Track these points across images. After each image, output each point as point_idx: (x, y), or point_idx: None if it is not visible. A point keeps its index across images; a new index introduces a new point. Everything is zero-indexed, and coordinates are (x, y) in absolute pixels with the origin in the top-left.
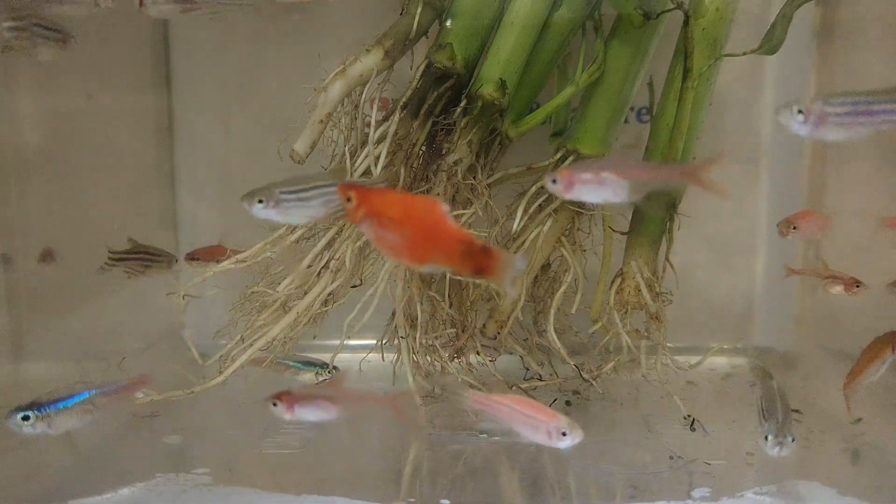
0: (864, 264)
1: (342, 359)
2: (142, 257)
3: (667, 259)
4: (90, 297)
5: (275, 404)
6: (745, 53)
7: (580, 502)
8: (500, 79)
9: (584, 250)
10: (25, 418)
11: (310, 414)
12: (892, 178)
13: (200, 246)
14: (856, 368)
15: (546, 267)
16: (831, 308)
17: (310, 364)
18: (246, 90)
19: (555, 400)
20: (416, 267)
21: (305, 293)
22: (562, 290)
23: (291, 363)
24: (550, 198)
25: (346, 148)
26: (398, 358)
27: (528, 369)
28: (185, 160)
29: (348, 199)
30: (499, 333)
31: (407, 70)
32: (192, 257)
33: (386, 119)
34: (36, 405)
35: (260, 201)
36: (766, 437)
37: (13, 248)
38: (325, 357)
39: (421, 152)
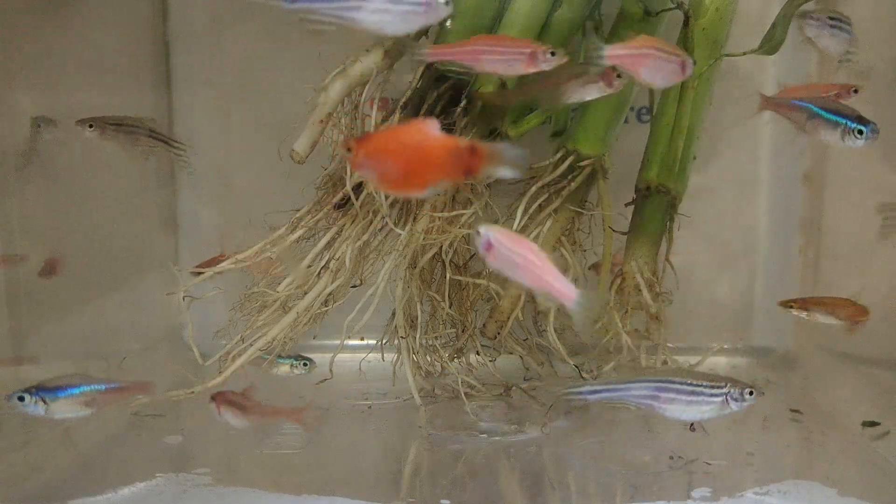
0: (864, 264)
1: (342, 359)
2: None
3: (667, 259)
4: (90, 297)
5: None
6: (745, 53)
7: (580, 502)
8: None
9: (584, 250)
10: (21, 399)
11: (231, 419)
12: (892, 177)
13: (200, 248)
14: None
15: None
16: None
17: (283, 356)
18: (246, 90)
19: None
20: (420, 193)
21: (305, 293)
22: None
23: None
24: (550, 198)
25: None
26: (398, 358)
27: (528, 369)
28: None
29: (348, 150)
30: (499, 333)
31: (407, 70)
32: (197, 271)
33: (386, 119)
34: (38, 388)
35: None
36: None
37: (13, 248)
38: (326, 357)
39: None
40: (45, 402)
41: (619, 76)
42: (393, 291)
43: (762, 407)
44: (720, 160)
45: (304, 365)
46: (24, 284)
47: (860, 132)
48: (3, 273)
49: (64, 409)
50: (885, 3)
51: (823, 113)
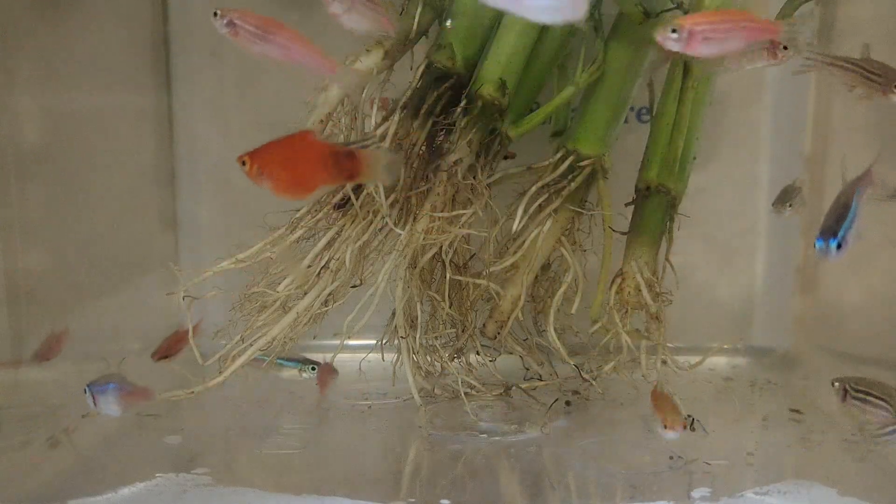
0: (864, 265)
1: (342, 359)
2: None
3: (667, 259)
4: (90, 297)
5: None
6: None
7: (580, 502)
8: (500, 79)
9: (584, 250)
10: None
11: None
12: (892, 177)
13: (200, 248)
14: None
15: (546, 267)
16: (831, 308)
17: (292, 361)
18: (246, 90)
19: (555, 400)
20: (308, 195)
21: (305, 293)
22: (562, 290)
23: (276, 360)
24: (550, 198)
25: None
26: (398, 358)
27: (528, 369)
28: (185, 160)
29: (244, 164)
30: (499, 333)
31: (407, 70)
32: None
33: (386, 119)
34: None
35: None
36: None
37: (13, 248)
38: (325, 357)
39: (421, 152)
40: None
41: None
42: (393, 291)
43: (762, 407)
44: (720, 160)
45: (312, 369)
46: (24, 284)
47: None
48: (3, 273)
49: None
50: (885, 3)
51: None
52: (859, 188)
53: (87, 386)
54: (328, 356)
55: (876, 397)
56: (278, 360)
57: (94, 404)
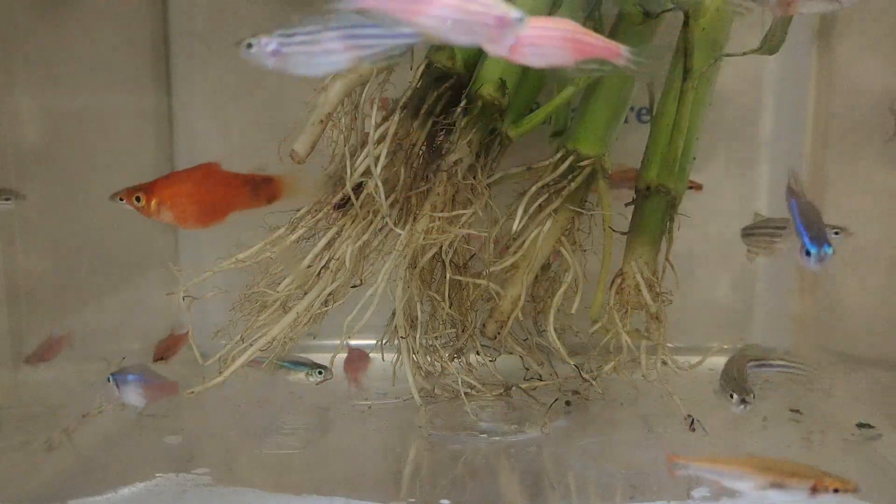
0: (863, 265)
1: (342, 359)
2: None
3: (667, 259)
4: (90, 297)
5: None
6: (745, 53)
7: (580, 502)
8: (500, 79)
9: (584, 250)
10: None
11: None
12: (891, 177)
13: (200, 248)
14: None
15: (546, 267)
16: (831, 308)
17: (300, 364)
18: (245, 89)
19: (555, 400)
20: (221, 220)
21: (305, 293)
22: (562, 290)
23: (283, 363)
24: (550, 198)
25: (346, 148)
26: (398, 358)
27: (528, 369)
28: (185, 160)
29: (137, 200)
30: (499, 333)
31: (407, 70)
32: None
33: (386, 119)
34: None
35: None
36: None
37: (13, 247)
38: (325, 357)
39: (421, 152)
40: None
41: None
42: (393, 291)
43: (762, 407)
44: (720, 160)
45: (320, 373)
46: (24, 284)
47: None
48: (3, 273)
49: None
50: (885, 3)
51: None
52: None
53: (111, 375)
54: (328, 357)
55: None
56: (286, 364)
57: (118, 394)
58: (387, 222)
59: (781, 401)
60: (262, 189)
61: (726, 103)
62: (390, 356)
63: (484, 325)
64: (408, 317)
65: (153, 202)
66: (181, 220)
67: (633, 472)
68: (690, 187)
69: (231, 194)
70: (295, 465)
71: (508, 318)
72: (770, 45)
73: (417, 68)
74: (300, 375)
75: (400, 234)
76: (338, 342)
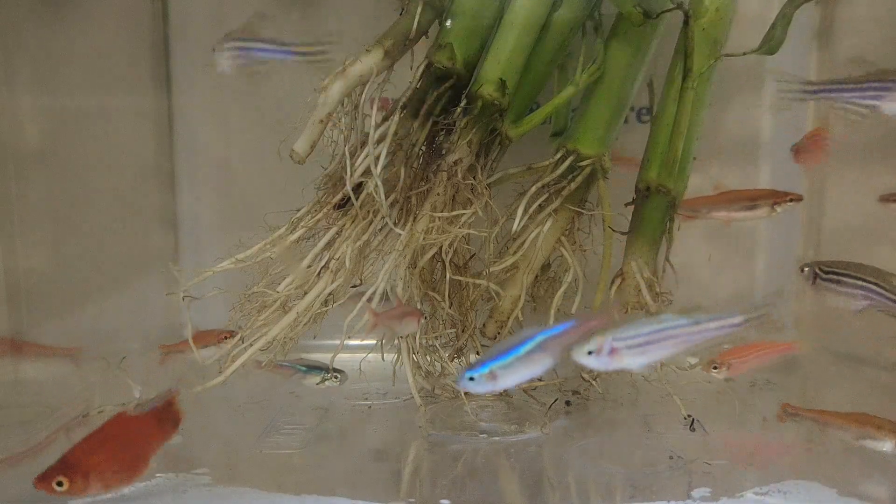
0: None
1: (342, 359)
2: None
3: (667, 259)
4: (90, 297)
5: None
6: (745, 53)
7: (580, 502)
8: (500, 79)
9: (584, 250)
10: None
11: None
12: (891, 177)
13: (200, 247)
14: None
15: (546, 267)
16: (831, 308)
17: (315, 368)
18: (246, 90)
19: (555, 400)
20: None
21: (305, 293)
22: (562, 290)
23: (297, 367)
24: (550, 198)
25: (346, 148)
26: (398, 358)
27: None
28: (185, 160)
29: (59, 485)
30: (499, 333)
31: (407, 70)
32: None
33: (386, 119)
34: None
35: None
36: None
37: (13, 248)
38: (325, 357)
39: (421, 152)
40: None
41: None
42: (393, 291)
43: (762, 407)
44: (720, 160)
45: (335, 378)
46: (25, 284)
47: None
48: (3, 273)
49: None
50: (884, 4)
51: None
52: None
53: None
54: (328, 356)
55: (851, 277)
56: (302, 368)
57: None
58: (387, 222)
59: (781, 401)
60: (165, 416)
61: (726, 103)
62: (390, 356)
63: (484, 325)
64: None
65: (78, 480)
66: (110, 484)
67: (633, 472)
68: (791, 199)
69: (148, 437)
70: (295, 465)
71: (508, 318)
72: (770, 45)
73: (417, 68)
74: (315, 380)
75: (400, 234)
76: (338, 342)
